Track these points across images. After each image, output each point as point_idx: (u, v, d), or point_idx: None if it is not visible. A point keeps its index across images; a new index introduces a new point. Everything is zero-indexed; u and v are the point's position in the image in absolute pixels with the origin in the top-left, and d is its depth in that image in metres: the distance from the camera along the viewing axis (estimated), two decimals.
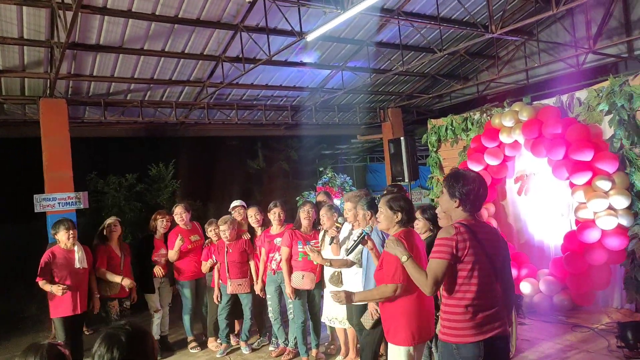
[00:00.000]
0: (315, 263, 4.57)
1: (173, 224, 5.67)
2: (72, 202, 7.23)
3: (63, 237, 4.65)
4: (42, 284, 4.48)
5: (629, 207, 5.22)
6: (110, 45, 6.88)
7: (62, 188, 7.24)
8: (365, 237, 3.35)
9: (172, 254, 5.43)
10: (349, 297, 3.09)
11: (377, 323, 3.50)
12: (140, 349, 1.60)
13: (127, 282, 4.99)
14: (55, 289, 4.46)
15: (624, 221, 5.20)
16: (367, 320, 3.62)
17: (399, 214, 3.03)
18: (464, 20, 8.29)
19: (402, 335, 2.91)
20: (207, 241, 5.52)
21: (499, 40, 9.32)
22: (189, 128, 10.22)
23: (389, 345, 3.06)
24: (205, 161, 12.40)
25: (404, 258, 2.59)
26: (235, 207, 5.70)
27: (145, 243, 5.58)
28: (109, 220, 5.20)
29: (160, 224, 5.57)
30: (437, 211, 3.74)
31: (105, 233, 5.11)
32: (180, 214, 5.59)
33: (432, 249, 2.46)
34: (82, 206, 7.28)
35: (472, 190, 2.46)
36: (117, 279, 4.93)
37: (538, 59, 9.09)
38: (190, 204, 6.67)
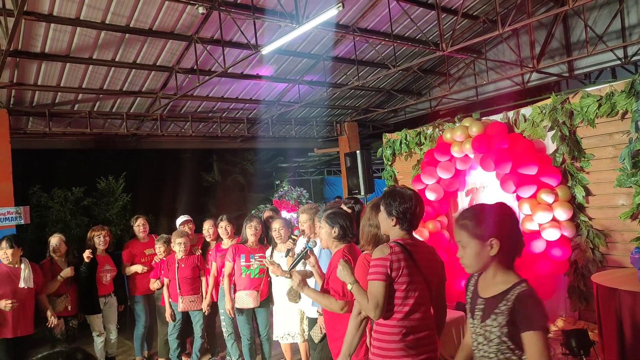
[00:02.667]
0: (257, 268, 4.53)
1: (123, 237, 5.50)
2: (12, 217, 6.82)
3: (2, 256, 4.36)
4: None
5: (571, 219, 5.47)
6: (56, 54, 6.61)
7: (1, 202, 6.83)
8: (308, 252, 3.30)
9: (127, 270, 5.36)
10: (302, 284, 2.99)
11: (325, 337, 3.47)
12: None
13: (66, 272, 4.75)
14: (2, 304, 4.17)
15: (567, 232, 5.45)
16: (316, 334, 3.60)
17: (336, 229, 3.00)
18: (417, 37, 8.54)
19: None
20: (155, 258, 5.35)
21: (450, 57, 9.66)
22: (141, 140, 9.93)
23: None
24: (158, 174, 12.06)
25: (348, 286, 2.54)
26: (184, 221, 5.59)
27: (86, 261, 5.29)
28: (52, 240, 4.94)
29: (98, 240, 5.29)
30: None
31: (49, 250, 4.87)
32: (140, 225, 5.46)
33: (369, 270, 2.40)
34: (22, 222, 6.88)
35: (408, 208, 2.43)
36: (57, 282, 4.69)
37: (486, 76, 9.48)
38: (147, 218, 6.46)
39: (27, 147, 8.45)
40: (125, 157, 10.64)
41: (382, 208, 2.52)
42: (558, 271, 5.51)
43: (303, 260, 3.37)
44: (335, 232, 3.01)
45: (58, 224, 8.20)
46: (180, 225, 5.64)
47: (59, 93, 7.57)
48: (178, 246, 5.10)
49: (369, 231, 2.82)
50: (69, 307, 4.77)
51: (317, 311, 3.58)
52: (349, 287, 2.54)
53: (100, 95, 7.95)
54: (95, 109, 8.26)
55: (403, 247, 2.37)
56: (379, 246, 2.47)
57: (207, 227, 5.37)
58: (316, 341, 3.63)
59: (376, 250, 2.43)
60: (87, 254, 4.89)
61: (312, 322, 3.82)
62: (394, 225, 2.46)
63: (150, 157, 11.56)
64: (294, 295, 4.32)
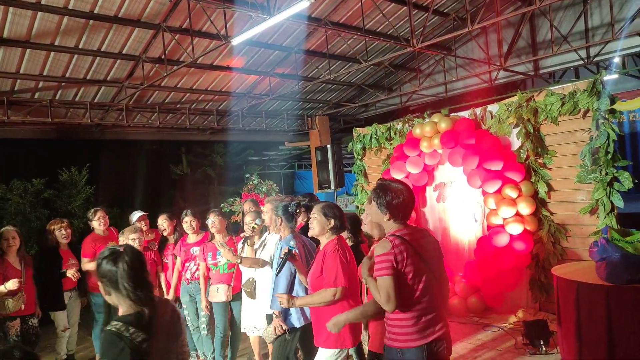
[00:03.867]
0: (225, 263, 4.51)
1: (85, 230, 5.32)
2: None
3: None
4: None
5: (534, 214, 5.63)
6: (15, 39, 6.33)
7: None
8: (293, 252, 3.34)
9: (89, 266, 5.02)
10: (292, 300, 3.14)
11: (277, 338, 3.54)
12: None
13: (11, 284, 4.26)
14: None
15: (530, 226, 5.61)
16: (269, 335, 3.59)
17: (333, 220, 3.11)
18: (388, 33, 8.58)
19: (333, 338, 2.98)
20: None
21: (421, 54, 9.76)
22: (105, 131, 9.64)
23: (320, 349, 3.08)
24: (124, 166, 11.73)
25: (364, 281, 2.67)
26: (140, 217, 5.46)
27: (48, 256, 5.05)
28: (3, 231, 4.60)
29: (60, 234, 5.10)
30: (362, 217, 3.78)
31: (0, 246, 4.52)
32: (100, 218, 5.26)
33: (374, 267, 2.49)
34: None
35: (400, 201, 2.53)
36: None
37: (455, 73, 9.64)
38: (106, 211, 6.28)
39: None
40: (89, 148, 10.31)
41: (373, 202, 2.61)
42: (520, 264, 5.67)
43: (288, 261, 3.36)
44: (331, 224, 3.11)
45: (17, 217, 7.86)
46: (135, 221, 5.52)
47: (19, 80, 7.26)
48: (132, 242, 4.92)
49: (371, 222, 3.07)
50: (23, 307, 4.43)
51: (273, 314, 3.58)
52: (364, 281, 2.66)
53: (63, 84, 7.66)
54: (57, 98, 7.96)
55: (402, 239, 2.48)
56: (379, 242, 2.57)
57: (161, 222, 5.23)
58: (268, 342, 3.63)
59: (377, 246, 2.53)
60: (75, 275, 4.80)
61: (270, 319, 3.78)
62: (389, 219, 2.56)
63: (115, 148, 11.24)
64: (249, 287, 4.26)
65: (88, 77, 7.66)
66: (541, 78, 10.09)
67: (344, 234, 3.74)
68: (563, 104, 5.39)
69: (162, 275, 5.13)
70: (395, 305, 2.42)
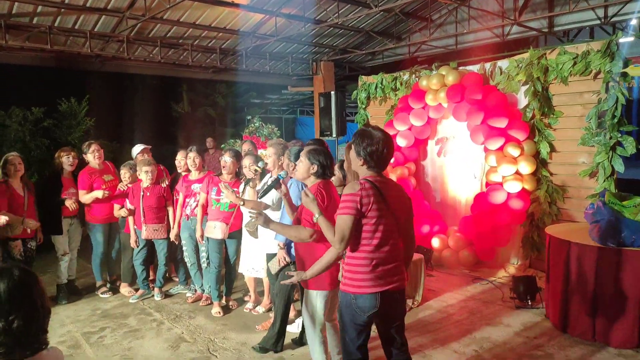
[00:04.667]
0: (228, 202, 4.50)
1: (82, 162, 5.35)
2: None
3: None
4: None
5: (534, 173, 5.65)
6: None
7: None
8: (280, 181, 3.39)
9: (87, 198, 5.12)
10: (266, 220, 3.04)
11: (282, 270, 3.60)
12: (28, 290, 1.51)
13: (30, 224, 4.61)
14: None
15: (528, 185, 5.65)
16: (274, 266, 3.69)
17: (315, 166, 3.10)
18: None
19: (320, 280, 3.00)
20: (120, 185, 5.25)
21: (434, 2, 9.40)
22: (105, 62, 9.42)
23: (307, 291, 3.13)
24: (124, 100, 11.55)
25: (315, 216, 2.64)
26: (143, 150, 5.49)
27: (52, 182, 5.18)
28: (9, 157, 4.69)
29: (67, 161, 5.19)
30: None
31: (4, 170, 4.62)
32: (95, 151, 5.27)
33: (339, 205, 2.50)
34: None
35: (375, 150, 2.50)
36: (17, 219, 4.52)
37: (467, 25, 9.33)
38: (105, 144, 6.28)
39: None
40: (89, 79, 10.10)
41: (352, 147, 2.59)
42: (515, 222, 5.76)
43: (274, 189, 3.41)
44: (314, 169, 3.10)
45: (16, 144, 7.82)
46: (138, 153, 5.51)
47: (16, 3, 6.98)
48: (145, 174, 5.02)
49: (349, 169, 2.95)
50: (29, 230, 4.65)
51: (278, 245, 3.64)
52: (315, 218, 2.65)
53: (62, 10, 7.39)
54: (56, 25, 7.71)
55: (372, 184, 2.48)
56: (349, 183, 2.57)
57: (180, 157, 5.27)
58: (273, 272, 3.73)
59: (347, 186, 2.53)
60: (72, 206, 4.99)
61: (271, 257, 3.90)
62: (362, 165, 2.56)
63: (115, 81, 11.01)
64: (252, 227, 4.32)
65: (88, 5, 7.37)
66: (555, 36, 9.80)
67: (336, 179, 3.74)
68: (575, 63, 5.28)
69: (170, 210, 5.19)
70: (346, 246, 2.45)
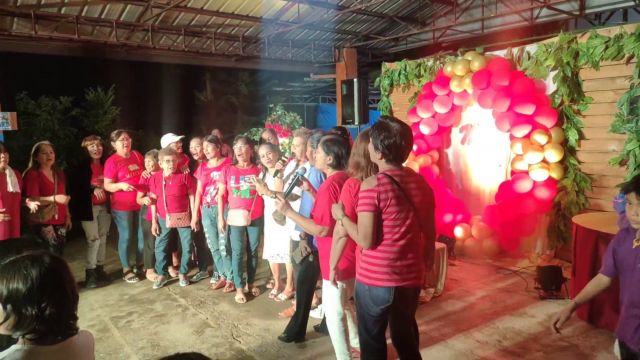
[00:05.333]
0: (260, 194, 4.53)
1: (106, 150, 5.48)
2: None
3: None
4: None
5: (561, 161, 5.51)
6: None
7: None
8: (300, 179, 3.44)
9: (112, 187, 5.24)
10: (285, 206, 3.12)
11: (305, 259, 3.65)
12: (58, 277, 1.53)
13: (61, 199, 4.73)
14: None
15: (555, 174, 5.51)
16: (297, 256, 3.74)
17: (330, 157, 3.12)
18: None
19: (327, 272, 3.01)
20: (144, 173, 5.34)
21: None
22: (131, 51, 9.54)
23: (324, 281, 3.17)
24: (149, 88, 11.69)
25: (339, 222, 2.63)
26: (175, 142, 5.53)
27: (82, 169, 5.34)
28: (42, 145, 4.82)
29: (92, 149, 5.33)
30: None
31: (37, 158, 4.77)
32: (123, 139, 5.38)
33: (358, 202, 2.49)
34: (9, 128, 6.73)
35: (393, 143, 2.44)
36: (49, 198, 4.68)
37: (495, 8, 9.08)
38: (131, 133, 6.38)
39: (12, 49, 8.09)
40: (114, 68, 10.25)
41: (370, 140, 2.55)
42: (541, 211, 5.65)
43: (296, 186, 3.47)
44: (330, 159, 3.13)
45: (46, 133, 8.03)
46: (172, 144, 5.58)
47: None
48: (166, 164, 5.08)
49: (352, 159, 2.89)
50: (56, 216, 4.78)
51: (299, 235, 3.68)
52: (339, 222, 2.63)
53: (89, 0, 7.51)
54: (83, 14, 7.84)
55: (390, 178, 2.44)
56: (367, 178, 2.54)
57: (194, 145, 5.33)
58: (297, 262, 3.78)
59: (364, 182, 2.51)
60: (100, 195, 5.21)
61: (296, 244, 3.94)
62: (380, 159, 2.51)
63: (140, 70, 11.15)
64: (279, 217, 4.38)
65: None
66: (586, 19, 9.44)
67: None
68: (607, 47, 5.09)
69: (192, 198, 5.26)
70: (371, 242, 2.42)
